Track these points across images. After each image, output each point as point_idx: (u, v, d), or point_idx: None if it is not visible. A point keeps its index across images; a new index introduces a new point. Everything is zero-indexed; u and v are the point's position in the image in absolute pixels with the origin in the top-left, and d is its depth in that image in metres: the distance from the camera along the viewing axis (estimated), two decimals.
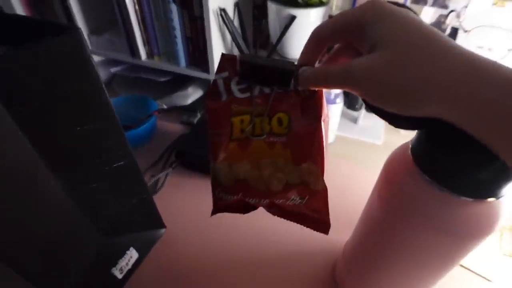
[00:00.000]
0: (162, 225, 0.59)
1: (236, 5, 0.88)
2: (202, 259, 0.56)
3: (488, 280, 0.53)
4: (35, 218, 0.37)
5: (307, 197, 0.31)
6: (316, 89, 0.30)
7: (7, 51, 0.30)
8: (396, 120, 0.28)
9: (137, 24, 0.86)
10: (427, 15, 0.81)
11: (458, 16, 0.77)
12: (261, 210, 0.34)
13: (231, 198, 0.33)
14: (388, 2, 0.25)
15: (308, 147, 0.31)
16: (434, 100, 0.21)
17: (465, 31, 0.75)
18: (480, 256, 0.55)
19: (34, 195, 0.36)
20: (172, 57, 0.89)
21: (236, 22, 0.88)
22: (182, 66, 0.90)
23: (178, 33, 0.83)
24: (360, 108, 0.88)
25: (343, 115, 0.89)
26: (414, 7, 0.81)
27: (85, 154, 0.40)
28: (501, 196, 0.27)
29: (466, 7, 0.75)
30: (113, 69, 1.03)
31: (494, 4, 0.74)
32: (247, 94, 0.32)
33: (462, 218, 0.28)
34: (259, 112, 0.32)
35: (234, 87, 0.32)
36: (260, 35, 1.04)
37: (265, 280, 0.53)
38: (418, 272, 0.36)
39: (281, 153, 0.31)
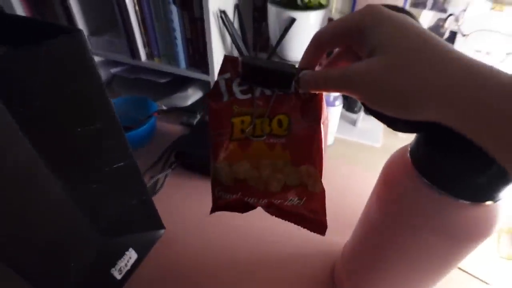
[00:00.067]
0: (161, 226, 0.59)
1: (236, 7, 0.88)
2: (201, 260, 0.56)
3: (486, 283, 0.53)
4: (35, 218, 0.37)
5: (305, 198, 0.32)
6: (316, 92, 0.30)
7: (8, 51, 0.30)
8: (395, 124, 0.28)
9: (137, 25, 0.87)
10: (426, 18, 0.82)
11: (456, 20, 0.78)
12: (260, 210, 0.35)
13: (230, 197, 0.34)
14: (387, 6, 0.25)
15: (307, 149, 0.31)
16: (432, 104, 0.21)
17: (464, 35, 0.76)
18: (478, 258, 0.56)
19: (34, 195, 0.36)
20: (172, 59, 0.90)
21: (236, 24, 0.89)
22: (182, 68, 0.90)
23: (178, 34, 0.84)
24: (359, 110, 0.88)
25: (342, 117, 0.90)
26: (413, 10, 0.81)
27: (86, 154, 0.40)
28: (499, 200, 0.27)
29: (464, 11, 0.76)
30: (113, 70, 1.03)
31: (492, 8, 0.74)
32: (249, 96, 0.32)
33: (460, 221, 0.28)
34: (259, 113, 0.32)
35: (235, 88, 0.33)
36: (260, 38, 1.05)
37: (264, 281, 0.53)
38: (416, 274, 0.37)
39: (281, 154, 0.32)
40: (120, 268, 0.51)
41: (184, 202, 0.67)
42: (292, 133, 0.31)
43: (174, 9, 0.79)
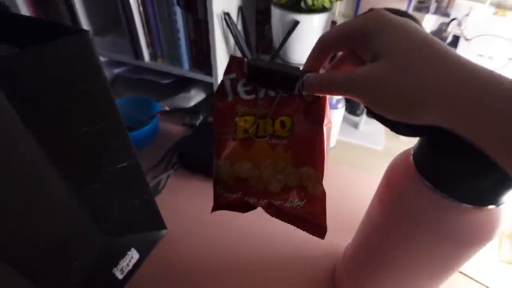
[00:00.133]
0: (163, 226, 0.60)
1: (240, 10, 0.88)
2: (202, 260, 0.56)
3: (487, 287, 0.53)
4: (39, 218, 0.37)
5: (305, 200, 0.32)
6: (320, 95, 0.31)
7: (16, 52, 0.30)
8: (398, 127, 0.28)
9: (141, 25, 0.87)
10: (429, 23, 0.82)
11: (459, 24, 0.78)
12: (261, 212, 0.35)
13: (231, 196, 0.34)
14: (390, 10, 0.25)
15: (309, 151, 0.31)
16: (434, 109, 0.21)
17: (466, 40, 0.76)
18: (479, 262, 0.56)
19: (39, 195, 0.36)
20: (176, 60, 0.90)
21: (239, 26, 0.89)
22: (185, 69, 0.90)
23: (182, 35, 0.84)
24: (361, 113, 0.88)
25: (345, 120, 0.90)
26: (416, 14, 0.82)
27: (90, 154, 0.40)
28: (501, 204, 0.28)
29: (467, 15, 0.76)
30: (116, 70, 1.03)
31: (495, 13, 0.74)
32: (253, 96, 0.33)
33: (462, 225, 0.29)
34: (263, 114, 0.32)
35: (240, 89, 0.33)
36: (263, 40, 1.05)
37: (265, 281, 0.54)
38: (417, 277, 0.37)
39: (282, 155, 0.32)
40: (122, 268, 0.51)
41: (186, 203, 0.67)
42: (294, 135, 0.32)
43: (178, 10, 0.80)
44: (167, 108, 0.94)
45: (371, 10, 0.26)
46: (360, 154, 0.82)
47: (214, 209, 0.36)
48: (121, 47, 0.96)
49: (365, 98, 0.25)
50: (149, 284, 0.53)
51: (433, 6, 0.80)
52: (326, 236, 0.33)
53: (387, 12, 0.25)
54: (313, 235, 0.33)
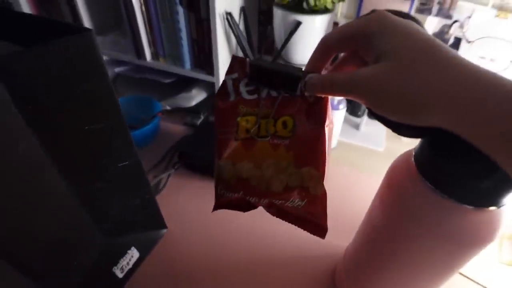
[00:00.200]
0: (164, 226, 0.60)
1: (242, 10, 0.89)
2: (202, 259, 0.56)
3: None
4: (40, 216, 0.37)
5: (306, 200, 0.32)
6: (322, 95, 0.31)
7: (19, 50, 0.30)
8: (400, 128, 0.28)
9: (143, 25, 0.87)
10: (431, 24, 0.82)
11: (461, 26, 0.78)
12: (262, 211, 0.35)
13: (233, 196, 0.34)
14: (393, 12, 0.25)
15: (311, 151, 0.31)
16: (436, 110, 0.22)
17: (468, 42, 0.76)
18: (480, 264, 0.56)
19: (39, 194, 0.36)
20: (177, 59, 0.90)
21: (241, 26, 0.89)
22: (187, 68, 0.90)
23: (184, 35, 0.84)
24: (363, 114, 0.89)
25: (346, 121, 0.90)
26: (418, 16, 0.82)
27: (91, 153, 0.40)
28: (503, 205, 0.28)
29: (469, 17, 0.76)
30: (118, 69, 1.03)
31: (497, 16, 0.74)
32: (255, 96, 0.33)
33: (463, 226, 0.29)
34: (265, 114, 0.33)
35: (242, 89, 0.33)
36: (265, 40, 1.05)
37: (265, 281, 0.54)
38: (418, 279, 0.37)
39: (284, 156, 0.32)
40: (122, 266, 0.51)
41: (186, 202, 0.67)
42: (296, 135, 0.32)
43: (180, 9, 0.80)
44: (168, 108, 0.94)
45: (373, 11, 0.26)
46: (361, 155, 0.82)
47: (216, 208, 0.36)
48: (122, 46, 0.96)
49: (367, 99, 0.25)
50: (149, 283, 0.53)
51: (435, 8, 0.80)
52: (327, 237, 0.33)
53: (390, 14, 0.25)
54: (314, 234, 0.33)
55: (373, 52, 0.25)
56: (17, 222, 0.34)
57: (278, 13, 0.84)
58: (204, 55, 0.87)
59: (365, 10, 0.88)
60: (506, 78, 0.20)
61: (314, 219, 0.33)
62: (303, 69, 0.31)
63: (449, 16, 0.79)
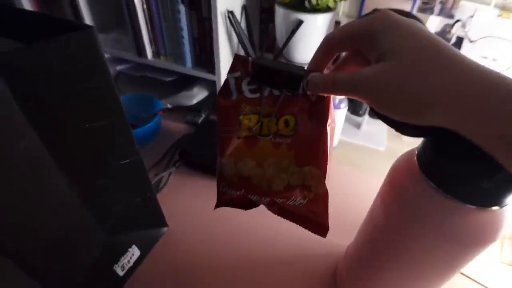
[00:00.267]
0: (165, 224, 0.60)
1: (244, 8, 0.88)
2: (203, 258, 0.56)
3: None
4: (41, 214, 0.37)
5: (307, 199, 0.32)
6: (325, 94, 0.31)
7: (20, 47, 0.30)
8: (403, 128, 0.28)
9: (144, 23, 0.87)
10: (433, 24, 0.82)
11: (463, 26, 0.78)
12: (263, 210, 0.35)
13: (234, 193, 0.35)
14: (395, 11, 0.25)
15: (312, 150, 0.31)
16: (439, 109, 0.21)
17: (471, 41, 0.76)
18: (481, 264, 0.56)
19: (41, 191, 0.36)
20: (179, 58, 0.90)
21: (243, 25, 0.89)
22: (188, 67, 0.90)
23: (185, 33, 0.84)
24: (364, 113, 0.88)
25: (347, 120, 0.90)
26: (420, 15, 0.81)
27: (93, 150, 0.40)
28: (505, 205, 0.28)
29: (471, 17, 0.76)
30: (119, 67, 1.03)
31: (500, 15, 0.74)
32: (257, 95, 0.33)
33: (466, 226, 0.28)
34: (267, 112, 0.32)
35: (245, 87, 0.33)
36: (267, 39, 1.05)
37: (265, 280, 0.54)
38: (419, 278, 0.37)
39: (286, 154, 0.32)
40: (123, 264, 0.51)
41: (187, 201, 0.67)
42: (298, 134, 0.32)
43: (182, 8, 0.80)
44: (169, 106, 0.94)
45: (375, 10, 0.26)
46: (362, 154, 0.82)
47: (217, 205, 0.36)
48: (124, 44, 0.96)
49: (369, 99, 0.25)
50: (150, 281, 0.53)
51: (437, 8, 0.80)
52: (328, 235, 0.33)
53: (394, 13, 0.25)
54: (315, 233, 0.33)
55: (376, 51, 0.24)
56: (18, 220, 0.34)
57: (280, 12, 0.84)
58: (205, 54, 0.86)
59: (367, 9, 0.88)
60: (509, 78, 0.20)
61: (315, 218, 0.33)
62: (305, 68, 0.31)
63: (451, 16, 0.79)
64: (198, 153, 0.73)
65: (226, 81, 0.33)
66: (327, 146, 0.31)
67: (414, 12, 0.82)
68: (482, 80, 0.20)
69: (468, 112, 0.20)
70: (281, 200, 0.33)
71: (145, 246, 0.56)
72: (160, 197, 0.60)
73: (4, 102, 0.29)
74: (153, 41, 0.91)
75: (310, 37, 0.83)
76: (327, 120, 0.31)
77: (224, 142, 0.34)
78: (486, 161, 0.22)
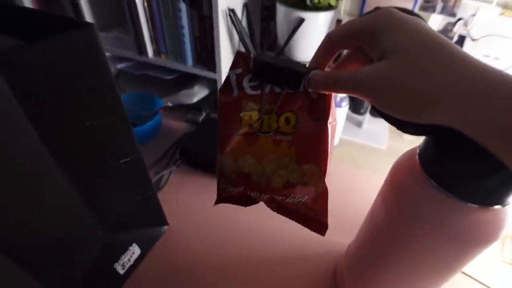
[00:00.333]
0: (165, 222, 0.60)
1: (245, 6, 0.88)
2: (203, 257, 0.56)
3: None
4: (41, 212, 0.37)
5: (307, 197, 0.32)
6: (326, 92, 0.30)
7: (21, 45, 0.30)
8: (405, 126, 0.28)
9: (145, 21, 0.87)
10: (435, 22, 0.82)
11: (465, 24, 0.77)
12: (264, 208, 0.35)
13: (234, 190, 0.35)
14: (399, 9, 0.25)
15: (313, 148, 0.31)
16: (441, 108, 0.21)
17: (473, 40, 0.76)
18: (482, 263, 0.56)
19: (41, 189, 0.36)
20: (179, 56, 0.90)
21: (244, 23, 0.89)
22: (189, 65, 0.90)
23: (186, 32, 0.84)
24: (365, 112, 0.88)
25: (348, 118, 0.90)
26: (422, 14, 0.81)
27: (93, 149, 0.40)
28: (507, 204, 0.27)
29: (474, 15, 0.76)
30: (120, 65, 1.03)
31: (502, 14, 0.74)
32: (258, 92, 0.33)
33: (468, 225, 0.28)
34: (268, 109, 0.32)
35: (246, 84, 0.33)
36: (268, 37, 1.05)
37: (266, 278, 0.54)
38: (420, 277, 0.37)
39: (286, 152, 0.32)
40: (123, 263, 0.51)
41: (188, 199, 0.67)
42: (298, 131, 0.32)
43: (183, 6, 0.79)
44: (170, 104, 0.94)
45: (377, 8, 0.25)
46: (363, 153, 0.82)
47: (217, 202, 0.36)
48: (125, 42, 0.96)
49: (371, 97, 0.25)
50: (150, 280, 0.53)
51: (439, 6, 0.80)
52: (328, 234, 0.33)
53: (397, 10, 0.24)
54: (314, 231, 0.33)
55: (378, 48, 0.24)
56: (18, 218, 0.34)
57: (281, 10, 0.83)
58: (206, 52, 0.86)
59: (369, 7, 0.88)
60: None
61: (314, 216, 0.33)
62: (307, 66, 0.31)
63: (453, 14, 0.79)
64: (199, 151, 0.73)
65: (228, 77, 0.33)
66: (327, 144, 0.31)
67: (416, 10, 0.82)
68: (485, 78, 0.20)
69: (470, 110, 0.20)
70: (280, 197, 0.33)
71: (146, 244, 0.56)
72: (160, 195, 0.60)
73: (5, 100, 0.29)
74: (154, 40, 0.90)
75: (311, 35, 0.83)
76: (327, 118, 0.31)
77: (224, 138, 0.34)
78: (488, 159, 0.22)
